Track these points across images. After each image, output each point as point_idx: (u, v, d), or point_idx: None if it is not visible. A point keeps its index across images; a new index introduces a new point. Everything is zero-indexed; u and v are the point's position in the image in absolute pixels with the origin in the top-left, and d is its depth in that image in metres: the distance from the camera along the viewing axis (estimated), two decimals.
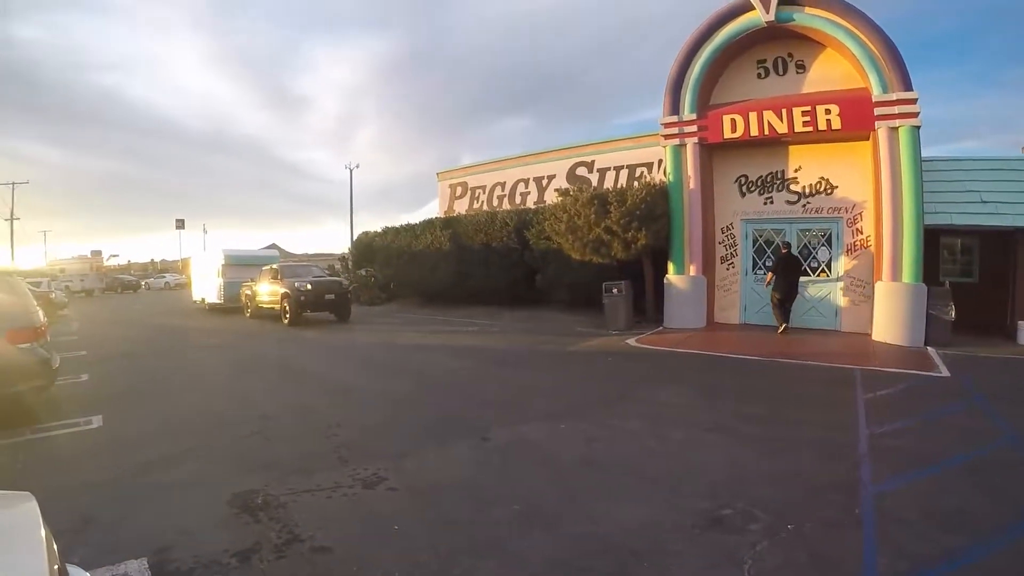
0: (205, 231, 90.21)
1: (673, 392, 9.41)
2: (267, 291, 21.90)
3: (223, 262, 27.00)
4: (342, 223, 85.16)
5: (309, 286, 20.32)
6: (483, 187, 25.90)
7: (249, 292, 23.66)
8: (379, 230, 28.57)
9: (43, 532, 2.02)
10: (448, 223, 24.25)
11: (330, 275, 24.79)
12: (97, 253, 58.21)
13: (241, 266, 26.51)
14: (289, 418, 8.18)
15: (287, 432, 7.50)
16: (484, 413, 8.24)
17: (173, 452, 6.67)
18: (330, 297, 20.74)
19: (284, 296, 20.42)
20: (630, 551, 4.30)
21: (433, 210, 29.20)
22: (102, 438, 7.40)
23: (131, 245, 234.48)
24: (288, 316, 20.15)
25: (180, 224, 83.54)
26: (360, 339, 16.48)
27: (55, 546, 2.07)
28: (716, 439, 6.99)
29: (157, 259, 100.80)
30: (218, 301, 27.06)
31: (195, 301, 30.53)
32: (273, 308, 21.63)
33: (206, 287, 28.91)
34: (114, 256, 79.41)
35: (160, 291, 58.88)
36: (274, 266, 22.79)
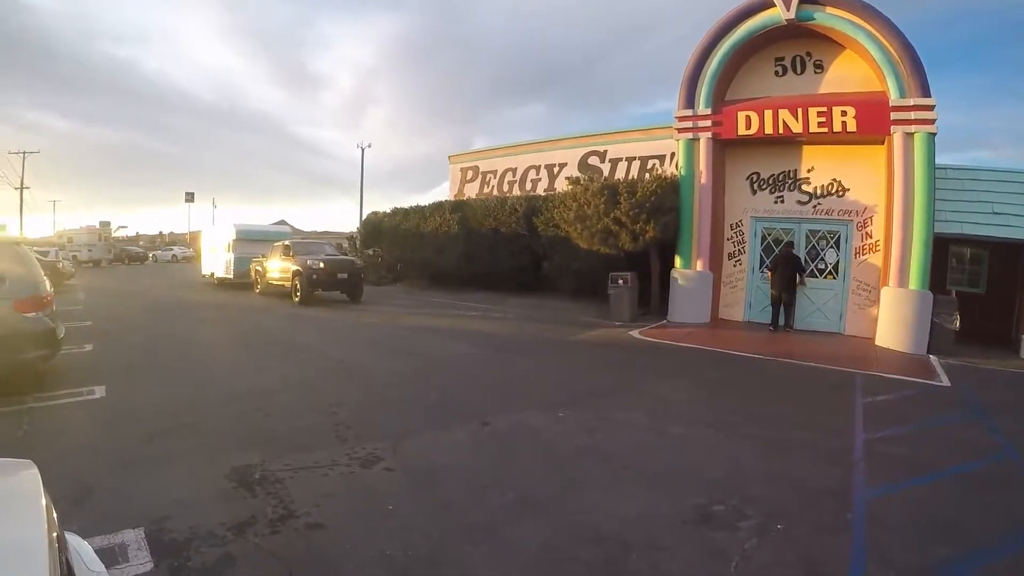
0: (215, 205, 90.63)
1: (674, 386, 9.45)
2: (278, 267, 21.49)
3: (234, 237, 26.28)
4: (352, 202, 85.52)
5: (322, 264, 19.83)
6: (494, 172, 25.87)
7: (259, 268, 23.23)
8: (388, 211, 28.50)
9: (44, 500, 2.05)
10: (457, 206, 24.23)
11: (341, 254, 24.16)
12: (106, 224, 58.09)
13: (252, 241, 25.94)
14: (290, 394, 8.24)
15: (287, 408, 7.55)
16: (485, 398, 8.31)
17: (174, 424, 6.74)
18: (342, 276, 20.29)
19: (295, 274, 19.91)
20: (621, 542, 4.36)
21: (443, 193, 29.26)
22: (104, 408, 7.46)
23: (140, 217, 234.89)
24: (299, 294, 19.69)
25: (190, 197, 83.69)
26: (365, 319, 16.52)
27: (54, 514, 2.10)
28: (713, 436, 7.03)
29: (166, 232, 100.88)
30: (228, 276, 26.53)
31: (204, 276, 30.01)
32: (283, 285, 21.26)
33: (216, 262, 28.34)
34: (123, 227, 79.61)
35: (167, 264, 58.63)
36: (286, 242, 22.17)
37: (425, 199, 42.57)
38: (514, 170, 24.94)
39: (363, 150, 53.78)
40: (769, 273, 15.19)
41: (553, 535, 4.43)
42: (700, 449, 6.55)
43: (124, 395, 8.00)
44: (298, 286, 19.80)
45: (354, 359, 10.97)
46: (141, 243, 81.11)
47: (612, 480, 5.54)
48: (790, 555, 4.28)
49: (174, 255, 63.55)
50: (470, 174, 27.03)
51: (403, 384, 9.15)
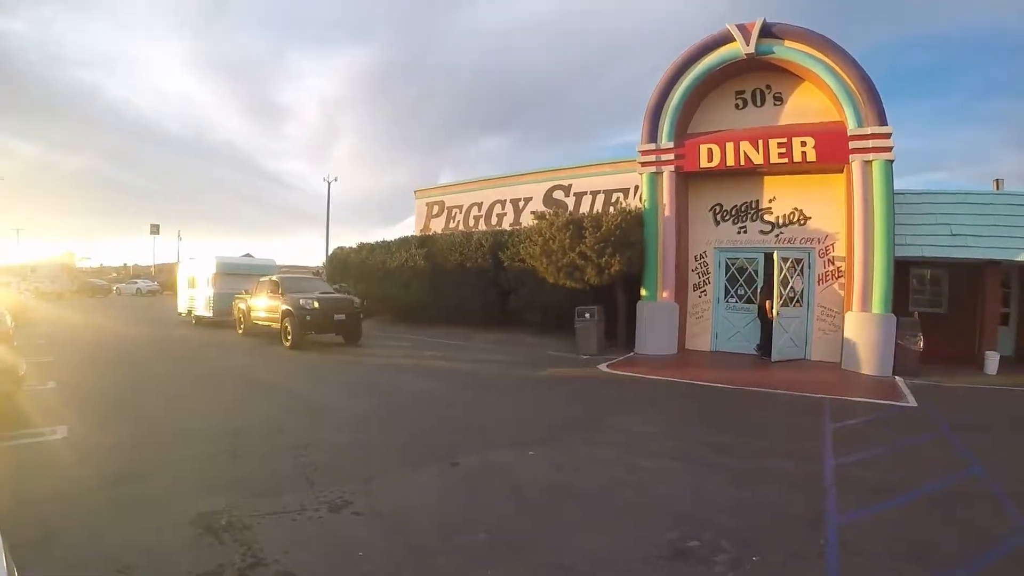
0: (180, 238, 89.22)
1: (643, 420, 9.37)
2: (265, 306, 19.47)
3: (214, 270, 24.37)
4: (318, 235, 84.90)
5: (316, 304, 17.64)
6: (460, 207, 25.91)
7: (243, 306, 21.18)
8: (354, 246, 28.17)
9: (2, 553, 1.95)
10: (424, 241, 24.22)
11: (337, 290, 21.13)
12: (70, 254, 57.05)
13: (235, 276, 24.31)
14: (257, 436, 8.01)
15: (255, 450, 7.35)
16: (453, 437, 8.16)
17: (139, 467, 6.49)
18: (340, 317, 18.09)
19: (285, 314, 17.83)
20: None
21: (409, 227, 29.09)
22: (67, 450, 7.19)
23: (103, 248, 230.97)
24: (290, 337, 17.57)
25: (155, 229, 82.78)
26: (330, 355, 16.31)
27: (13, 567, 2.01)
28: (684, 468, 6.97)
29: (130, 264, 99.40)
30: (207, 314, 24.71)
31: (180, 313, 28.03)
32: (271, 326, 19.23)
33: (194, 298, 26.32)
34: (85, 259, 78.33)
35: (132, 297, 57.07)
36: (274, 278, 20.09)
37: (391, 233, 42.56)
38: (480, 204, 25.02)
39: (329, 183, 53.68)
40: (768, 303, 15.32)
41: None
42: (672, 482, 6.47)
43: (88, 435, 7.73)
44: (288, 328, 17.72)
45: (321, 398, 10.74)
46: (106, 275, 79.52)
47: (584, 517, 5.44)
48: None
49: (138, 288, 61.28)
50: (436, 209, 27.05)
51: (371, 423, 8.98)
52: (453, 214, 26.22)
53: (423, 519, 5.35)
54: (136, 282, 64.27)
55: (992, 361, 14.18)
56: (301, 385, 12.11)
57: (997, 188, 19.93)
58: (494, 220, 24.27)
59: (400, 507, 5.60)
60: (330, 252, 33.19)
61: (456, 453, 7.29)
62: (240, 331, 21.41)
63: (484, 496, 5.97)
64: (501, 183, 24.58)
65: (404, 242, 24.90)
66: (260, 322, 19.99)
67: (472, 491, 6.11)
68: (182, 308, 28.03)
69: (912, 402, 10.76)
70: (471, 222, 25.21)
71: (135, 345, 18.44)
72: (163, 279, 65.18)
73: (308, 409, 9.84)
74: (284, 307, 18.00)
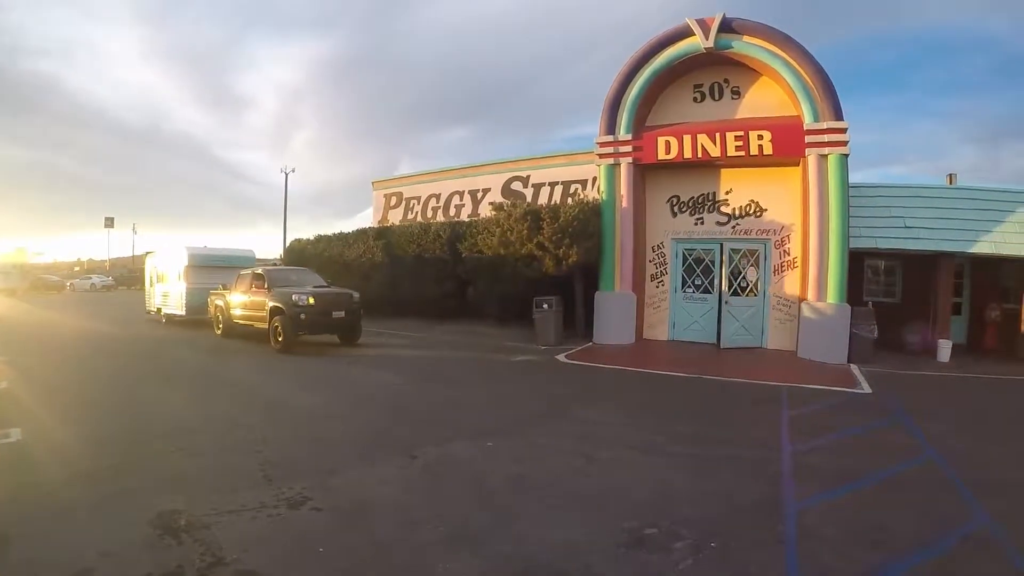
0: (135, 231, 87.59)
1: (601, 409, 9.36)
2: (246, 303, 17.32)
3: (186, 263, 21.81)
4: (275, 228, 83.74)
5: (312, 300, 15.35)
6: (418, 198, 25.71)
7: (221, 303, 18.89)
8: (311, 238, 27.78)
9: None
10: (381, 233, 23.94)
11: (329, 284, 18.21)
12: (21, 250, 55.16)
13: (210, 268, 21.78)
14: (214, 433, 7.80)
15: (212, 448, 7.14)
16: (412, 430, 8.03)
17: (95, 468, 6.25)
18: (339, 315, 15.91)
19: (274, 311, 15.64)
20: (556, 572, 4.27)
21: (368, 219, 28.83)
22: (21, 452, 6.88)
23: (57, 243, 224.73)
24: (281, 338, 15.31)
25: (109, 223, 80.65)
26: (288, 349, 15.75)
27: None
28: (643, 457, 6.95)
29: (84, 259, 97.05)
30: (178, 312, 22.08)
31: (149, 312, 25.06)
32: (253, 325, 17.10)
33: (166, 294, 23.43)
34: (38, 254, 76.07)
35: (87, 293, 53.71)
36: (258, 270, 17.82)
37: (350, 225, 42.05)
38: (438, 196, 24.85)
39: (287, 174, 53.07)
40: None
41: (488, 569, 4.30)
42: (630, 472, 6.45)
43: (42, 438, 7.41)
44: (280, 328, 15.38)
45: (277, 393, 10.51)
46: (76, 269, 77.22)
47: (544, 508, 5.40)
48: (725, 573, 4.27)
49: (92, 284, 58.37)
50: (394, 200, 26.82)
51: (328, 417, 8.80)
52: (411, 205, 26.02)
53: (383, 513, 5.26)
54: (91, 278, 61.14)
55: (945, 349, 14.66)
56: (257, 379, 11.91)
57: (951, 183, 20.45)
58: (452, 211, 24.13)
59: (360, 501, 5.50)
60: (287, 244, 32.74)
61: (415, 446, 7.19)
62: (218, 331, 18.99)
63: (444, 489, 5.90)
64: (459, 174, 24.43)
65: (362, 234, 24.60)
66: (242, 321, 17.82)
67: (432, 484, 6.03)
68: (151, 306, 25.15)
69: (867, 389, 10.93)
70: (429, 213, 25.03)
71: (96, 347, 16.56)
72: (118, 274, 63.61)
73: (265, 404, 9.64)
74: (272, 304, 15.75)
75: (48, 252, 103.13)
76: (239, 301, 17.74)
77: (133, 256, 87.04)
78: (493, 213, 17.80)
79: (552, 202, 19.33)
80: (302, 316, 15.15)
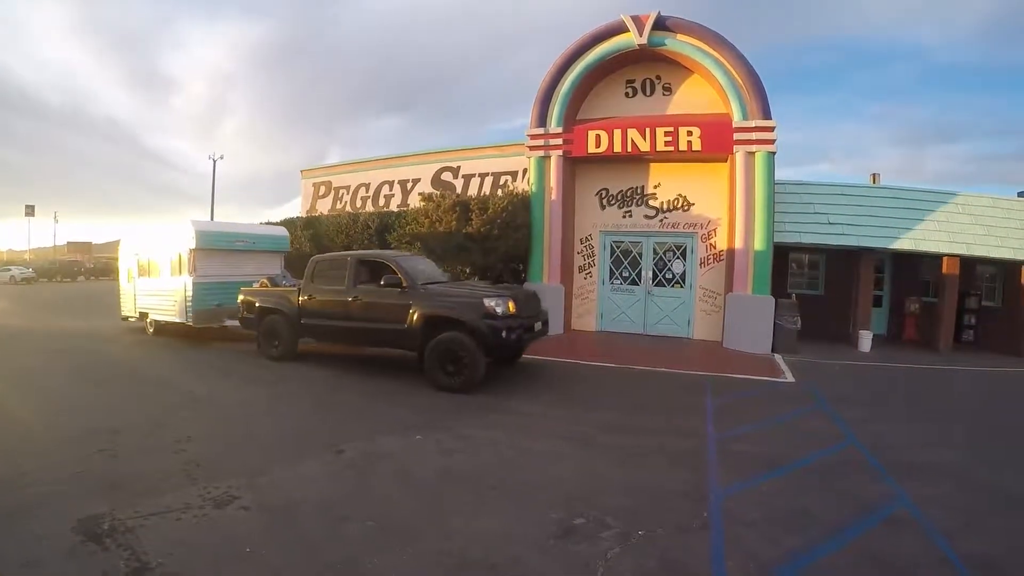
0: (56, 220, 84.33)
1: (530, 401, 9.26)
2: (353, 307, 11.16)
3: (193, 246, 14.71)
4: (202, 216, 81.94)
5: (512, 305, 9.86)
6: (347, 187, 25.29)
7: (279, 304, 12.52)
8: None
9: None
10: (309, 223, 23.43)
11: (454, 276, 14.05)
12: None
13: (228, 253, 15.63)
14: (137, 432, 7.36)
15: (135, 448, 6.75)
16: (341, 424, 7.86)
17: (12, 475, 5.84)
18: (539, 327, 10.80)
19: (435, 324, 10.09)
20: (486, 564, 4.26)
21: (296, 208, 28.26)
22: None
23: None
24: (463, 372, 9.65)
25: (30, 211, 76.90)
26: (205, 344, 15.12)
27: None
28: (571, 448, 6.94)
29: (3, 248, 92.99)
30: (176, 318, 15.41)
31: (128, 318, 18.12)
32: (390, 343, 11.24)
33: (155, 293, 16.51)
34: None
35: (5, 286, 47.00)
36: (366, 256, 11.97)
37: (279, 214, 40.94)
38: (367, 185, 24.49)
39: (215, 161, 51.23)
40: None
41: (417, 564, 4.25)
42: (559, 463, 6.42)
43: None
44: (465, 354, 9.63)
45: (201, 389, 9.95)
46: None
47: (473, 501, 5.34)
48: (652, 560, 4.31)
49: (12, 276, 54.03)
50: (323, 189, 26.34)
51: (256, 413, 8.48)
52: (340, 195, 25.60)
53: (311, 510, 5.13)
54: (10, 269, 55.58)
55: (865, 340, 15.36)
56: (181, 375, 11.54)
57: (874, 182, 21.37)
58: (382, 201, 23.82)
59: (287, 499, 5.34)
60: None
61: (343, 440, 7.02)
62: (274, 352, 12.53)
63: (372, 483, 5.79)
64: (390, 164, 24.11)
65: (289, 224, 23.99)
66: (341, 336, 11.99)
67: (360, 479, 5.91)
68: (129, 309, 18.05)
69: (791, 378, 11.17)
70: (358, 203, 24.66)
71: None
72: (39, 266, 60.47)
73: (189, 400, 9.21)
74: (429, 311, 10.17)
75: None
76: (334, 303, 11.51)
77: (54, 246, 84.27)
78: (422, 203, 17.66)
79: (482, 193, 19.22)
80: (503, 333, 9.62)
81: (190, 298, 14.77)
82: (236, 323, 14.24)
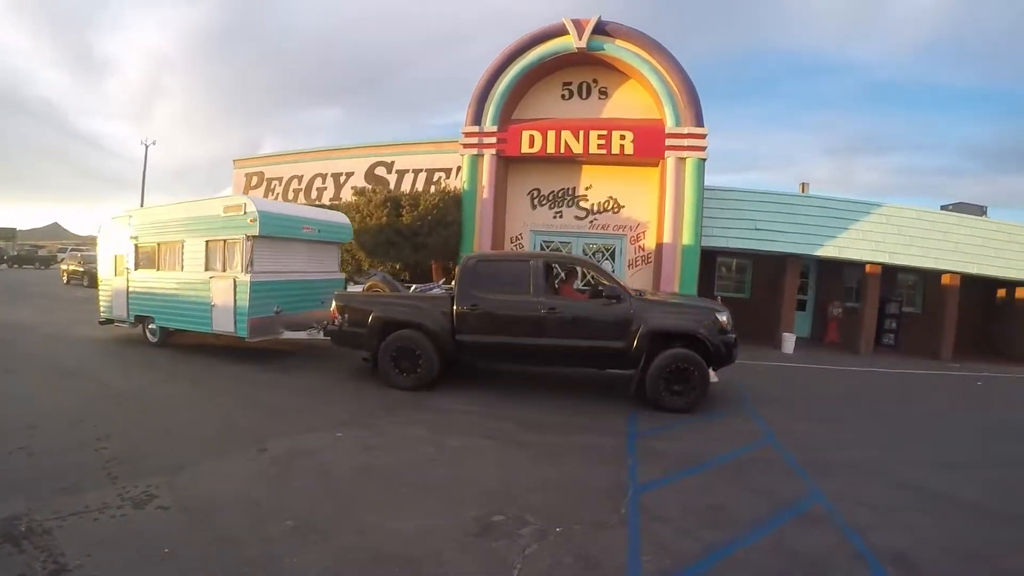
0: None
1: (452, 398, 9.14)
2: (553, 322, 9.08)
3: (254, 231, 11.03)
4: (133, 203, 79.04)
5: (724, 318, 9.08)
6: (280, 179, 24.85)
7: (402, 314, 9.79)
8: None
9: None
10: None
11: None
12: None
13: (292, 243, 12.25)
14: (53, 429, 6.99)
15: (53, 445, 6.42)
16: (264, 422, 7.59)
17: None
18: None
19: (678, 339, 8.88)
20: (405, 561, 4.23)
21: None
22: None
23: None
24: (700, 389, 8.81)
25: None
26: (137, 335, 14.01)
27: None
28: (491, 446, 6.92)
29: None
30: (211, 327, 11.80)
31: (112, 321, 14.02)
32: (557, 359, 9.58)
33: (164, 290, 12.72)
34: None
35: None
36: (586, 264, 11.37)
37: None
38: (300, 177, 24.12)
39: (147, 147, 48.73)
40: None
41: (335, 560, 4.21)
42: (479, 460, 6.39)
43: None
44: (698, 369, 8.70)
45: (123, 385, 9.46)
46: None
47: (392, 498, 5.29)
48: (570, 556, 4.33)
49: None
50: (255, 180, 25.85)
51: (177, 409, 8.18)
52: (272, 186, 25.15)
53: (231, 509, 4.99)
54: None
55: (789, 342, 15.84)
56: (102, 369, 10.98)
57: (803, 191, 21.96)
58: (314, 194, 23.49)
59: (207, 498, 5.17)
60: None
61: (266, 438, 6.82)
62: (408, 381, 9.57)
63: (292, 481, 5.65)
64: (323, 156, 23.78)
65: None
66: (535, 356, 9.56)
67: (281, 477, 5.76)
68: (117, 311, 13.75)
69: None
70: (290, 195, 24.25)
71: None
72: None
73: (108, 395, 8.75)
74: (658, 327, 8.85)
75: None
76: (517, 316, 9.24)
77: None
78: (354, 198, 17.53)
79: (415, 189, 19.14)
80: (723, 348, 8.96)
81: (244, 302, 11.14)
82: (301, 335, 12.09)
